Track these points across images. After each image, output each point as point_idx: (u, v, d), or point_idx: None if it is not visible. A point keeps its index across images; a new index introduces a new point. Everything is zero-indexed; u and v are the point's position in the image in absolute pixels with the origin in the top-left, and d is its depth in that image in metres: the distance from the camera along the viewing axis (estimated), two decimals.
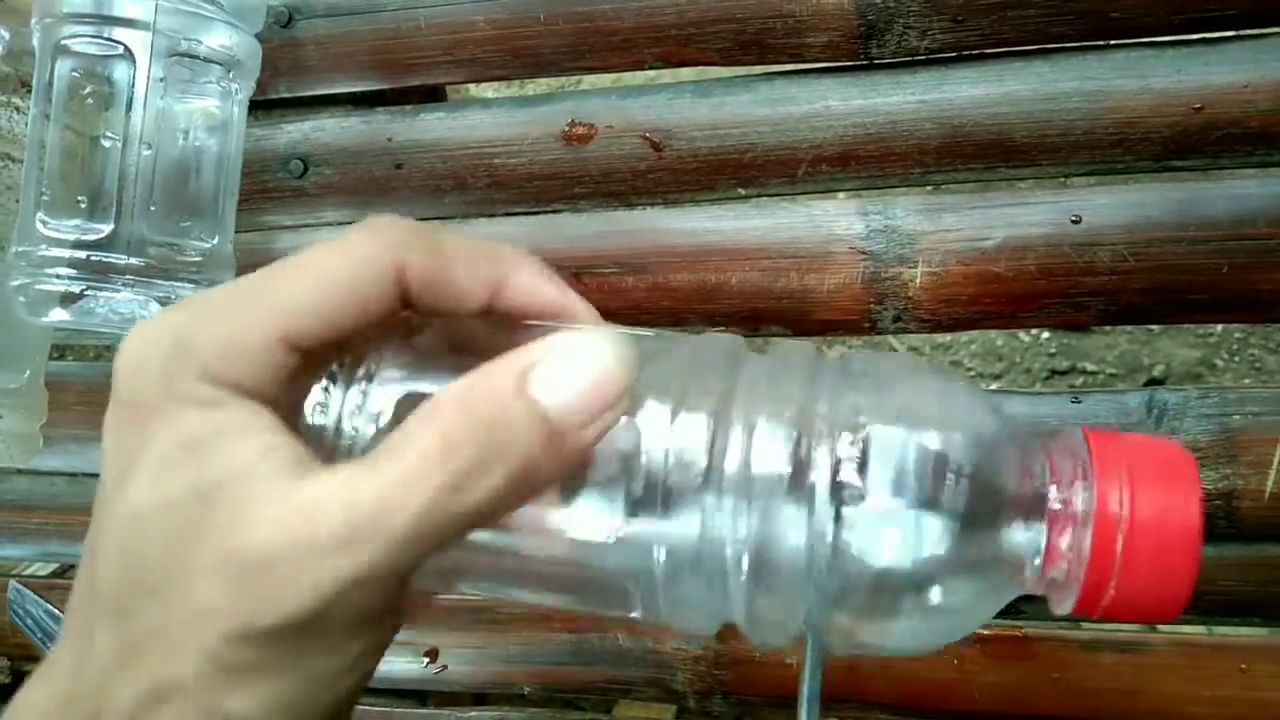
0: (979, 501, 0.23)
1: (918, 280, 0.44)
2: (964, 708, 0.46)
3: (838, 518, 0.23)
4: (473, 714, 0.53)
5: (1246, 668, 0.43)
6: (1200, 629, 0.45)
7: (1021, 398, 0.45)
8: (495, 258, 0.25)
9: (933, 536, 0.23)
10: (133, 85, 0.42)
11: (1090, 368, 1.16)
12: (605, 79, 0.56)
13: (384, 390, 0.24)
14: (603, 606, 0.26)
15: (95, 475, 0.23)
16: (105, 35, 0.42)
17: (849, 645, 0.25)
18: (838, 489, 0.23)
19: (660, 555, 0.23)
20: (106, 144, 0.42)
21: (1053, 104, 0.43)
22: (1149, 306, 0.43)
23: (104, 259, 0.42)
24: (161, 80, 0.42)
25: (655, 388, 0.24)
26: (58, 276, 0.42)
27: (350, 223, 0.51)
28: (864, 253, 0.45)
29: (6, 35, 0.46)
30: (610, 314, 0.47)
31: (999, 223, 0.44)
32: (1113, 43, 0.43)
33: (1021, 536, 0.23)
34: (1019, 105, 0.43)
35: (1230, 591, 0.43)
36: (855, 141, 0.45)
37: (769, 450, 0.23)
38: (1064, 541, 0.23)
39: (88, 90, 0.43)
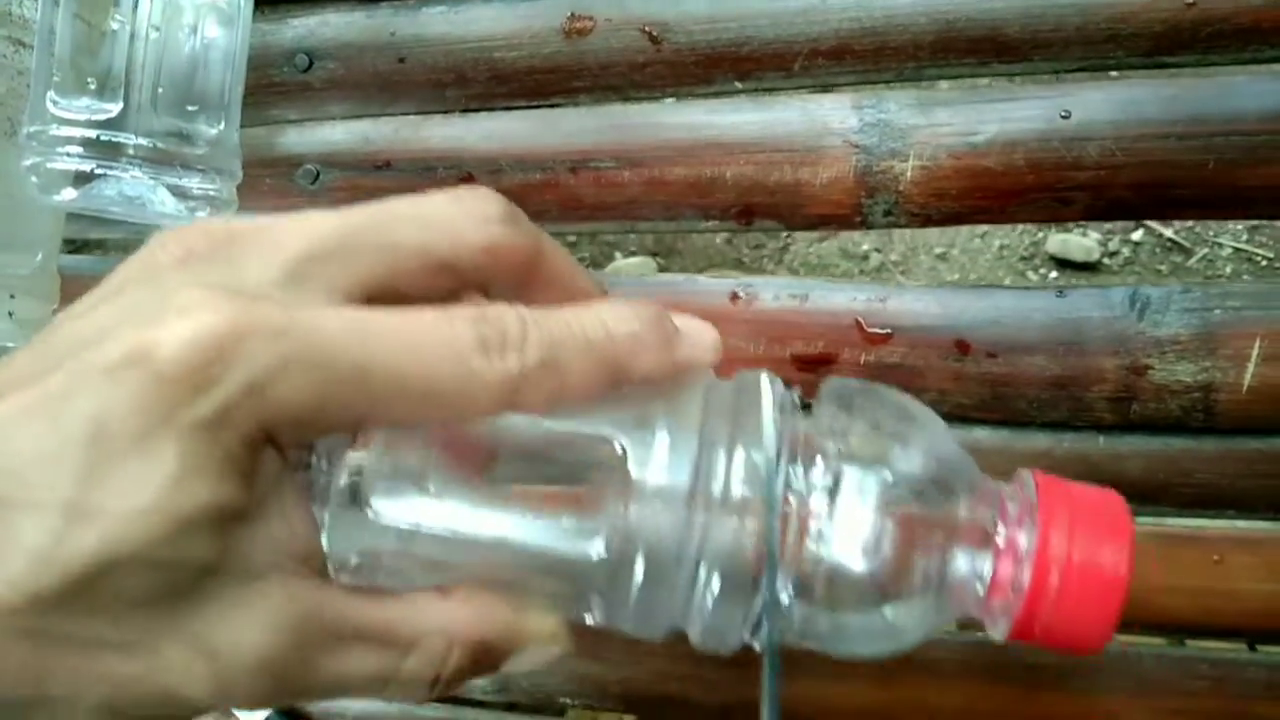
0: (933, 531, 0.26)
1: (909, 174, 0.45)
2: None
3: (802, 536, 0.25)
4: None
5: (1220, 559, 0.44)
6: (1176, 520, 0.46)
7: (1008, 292, 0.46)
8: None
9: (887, 560, 0.25)
10: None
11: None
12: None
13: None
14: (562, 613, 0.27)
15: None
16: None
17: (799, 637, 0.27)
18: (805, 513, 0.25)
19: (638, 572, 0.24)
20: (115, 26, 0.43)
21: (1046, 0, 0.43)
22: (1135, 202, 0.44)
23: (114, 138, 0.43)
24: None
25: (639, 417, 0.25)
26: (68, 155, 0.43)
27: (354, 117, 0.52)
28: (857, 146, 0.45)
29: None
30: (607, 207, 0.48)
31: (990, 118, 0.44)
32: None
33: (970, 566, 0.26)
34: (1012, 1, 0.44)
35: (1205, 484, 0.44)
36: (850, 36, 0.45)
37: (746, 472, 0.25)
38: (1007, 575, 0.26)
39: None
